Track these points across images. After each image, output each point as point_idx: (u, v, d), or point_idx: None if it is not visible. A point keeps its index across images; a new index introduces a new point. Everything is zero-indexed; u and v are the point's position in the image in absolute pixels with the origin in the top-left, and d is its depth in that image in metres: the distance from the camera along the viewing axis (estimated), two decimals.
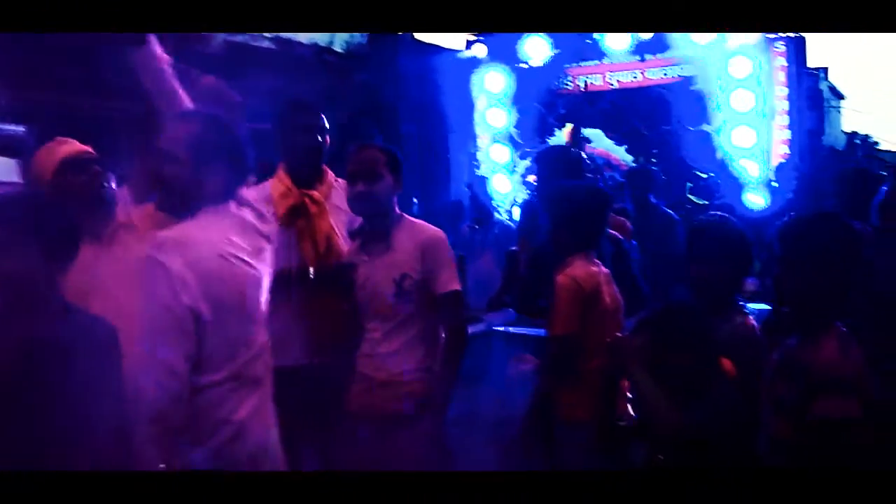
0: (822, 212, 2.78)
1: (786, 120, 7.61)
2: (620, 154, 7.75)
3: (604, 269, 3.19)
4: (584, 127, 7.98)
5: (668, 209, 5.78)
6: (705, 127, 7.72)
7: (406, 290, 3.04)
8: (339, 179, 3.41)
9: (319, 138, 3.39)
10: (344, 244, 3.35)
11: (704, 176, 7.72)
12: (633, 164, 7.32)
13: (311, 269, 3.32)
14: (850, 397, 2.12)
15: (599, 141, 7.83)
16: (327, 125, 3.41)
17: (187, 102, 2.84)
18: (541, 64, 8.35)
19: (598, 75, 8.32)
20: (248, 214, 2.50)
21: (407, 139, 12.15)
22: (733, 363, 2.47)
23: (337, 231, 3.36)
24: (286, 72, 11.51)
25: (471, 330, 4.65)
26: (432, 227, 3.20)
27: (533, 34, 8.15)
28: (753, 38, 7.32)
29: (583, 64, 8.34)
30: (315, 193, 3.39)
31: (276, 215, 3.26)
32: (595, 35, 7.98)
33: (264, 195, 3.26)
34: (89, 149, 2.87)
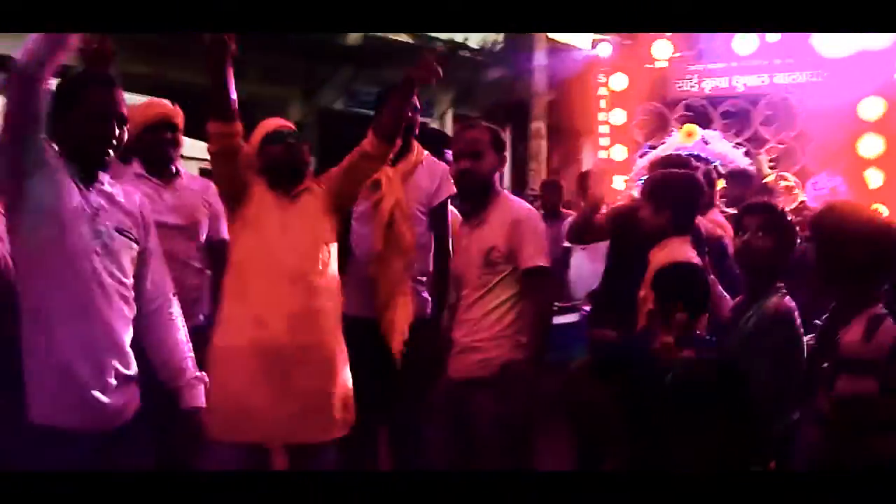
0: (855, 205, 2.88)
1: None
2: (738, 157, 7.68)
3: (698, 259, 3.33)
4: (705, 129, 7.97)
5: None
6: (831, 135, 7.57)
7: (492, 261, 3.30)
8: (428, 156, 3.70)
9: (409, 115, 3.69)
10: (411, 219, 3.64)
11: (828, 185, 7.57)
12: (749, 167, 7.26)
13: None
14: (867, 377, 2.25)
15: (717, 143, 7.77)
16: (418, 105, 3.70)
17: None
18: (665, 64, 8.37)
19: (725, 78, 8.26)
20: None
21: (536, 136, 12.37)
22: (769, 341, 2.60)
23: (404, 208, 3.65)
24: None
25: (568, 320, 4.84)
26: (526, 205, 3.44)
27: (656, 34, 8.17)
28: (885, 43, 7.11)
29: (709, 66, 8.29)
30: (390, 170, 3.70)
31: None
32: (721, 36, 7.94)
33: None
34: (289, 123, 3.37)
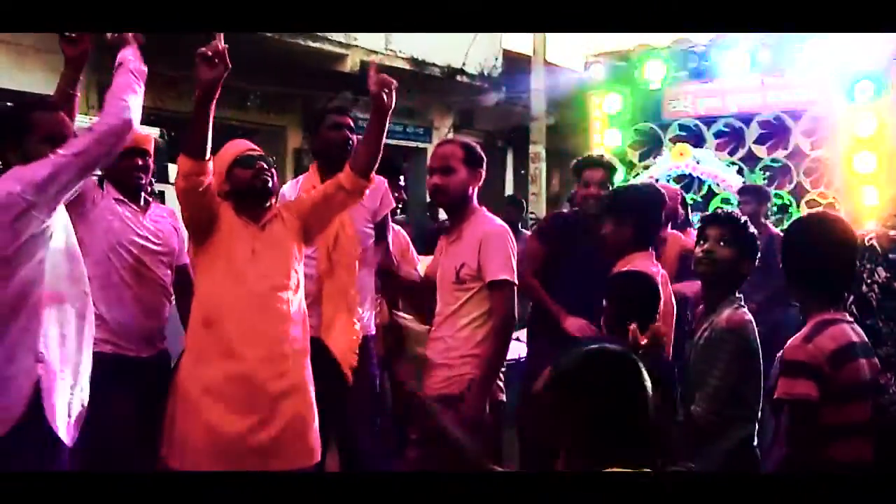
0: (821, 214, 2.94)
1: None
2: (730, 176, 7.67)
3: (663, 271, 3.32)
4: (699, 148, 7.98)
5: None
6: (824, 152, 7.57)
7: (462, 278, 3.29)
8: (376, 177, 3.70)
9: (347, 135, 3.72)
10: (356, 239, 3.65)
11: (823, 201, 7.56)
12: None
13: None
14: (802, 380, 2.26)
15: (709, 162, 7.77)
16: (354, 126, 3.75)
17: None
18: (658, 85, 8.40)
19: (718, 97, 8.28)
20: None
21: (535, 160, 12.38)
22: (720, 352, 2.61)
23: (348, 227, 3.67)
24: (420, 92, 12.05)
25: None
26: (498, 222, 3.43)
27: (645, 54, 8.21)
28: (878, 61, 7.14)
29: (702, 86, 8.31)
30: None
31: None
32: (713, 56, 7.97)
33: (296, 188, 3.67)
34: (255, 147, 3.32)
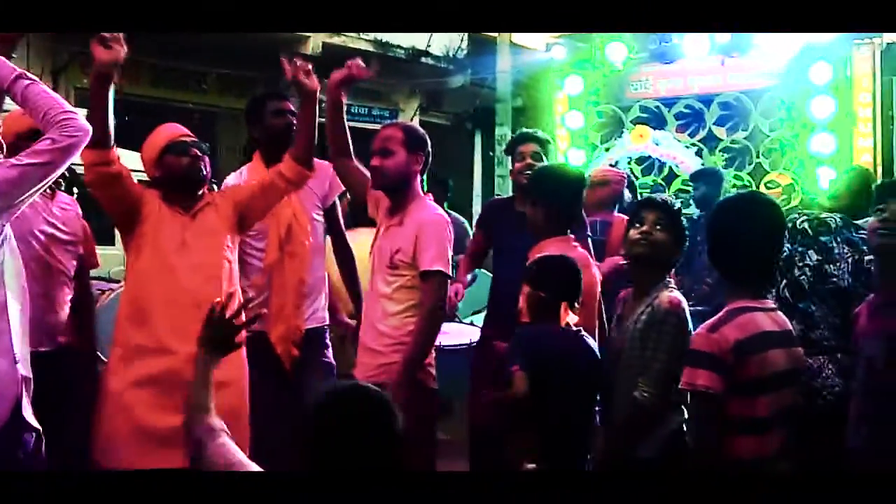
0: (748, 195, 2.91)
1: (868, 128, 7.34)
2: (689, 158, 7.64)
3: (582, 252, 3.26)
4: (659, 129, 7.94)
5: None
6: (783, 133, 7.56)
7: (395, 264, 3.22)
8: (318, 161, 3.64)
9: (290, 120, 3.64)
10: (308, 222, 3.59)
11: (782, 183, 7.56)
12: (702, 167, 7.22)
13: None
14: (701, 370, 2.22)
15: (669, 144, 7.73)
16: (294, 110, 3.67)
17: None
18: (620, 67, 8.34)
19: (679, 78, 8.23)
20: None
21: (501, 142, 12.33)
22: (665, 334, 2.57)
23: (300, 216, 3.62)
24: (384, 74, 11.93)
25: None
26: (438, 211, 3.36)
27: (606, 35, 8.15)
28: (835, 42, 7.12)
29: (663, 67, 8.26)
30: None
31: None
32: (675, 38, 7.92)
33: (241, 179, 3.58)
34: (188, 132, 3.21)
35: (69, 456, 3.10)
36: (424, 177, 3.61)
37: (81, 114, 2.70)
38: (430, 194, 3.48)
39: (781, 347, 2.41)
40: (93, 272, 3.80)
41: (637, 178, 7.72)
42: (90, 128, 2.64)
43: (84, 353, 3.47)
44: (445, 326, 5.58)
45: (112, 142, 2.97)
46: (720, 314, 2.40)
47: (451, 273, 3.27)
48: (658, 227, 2.81)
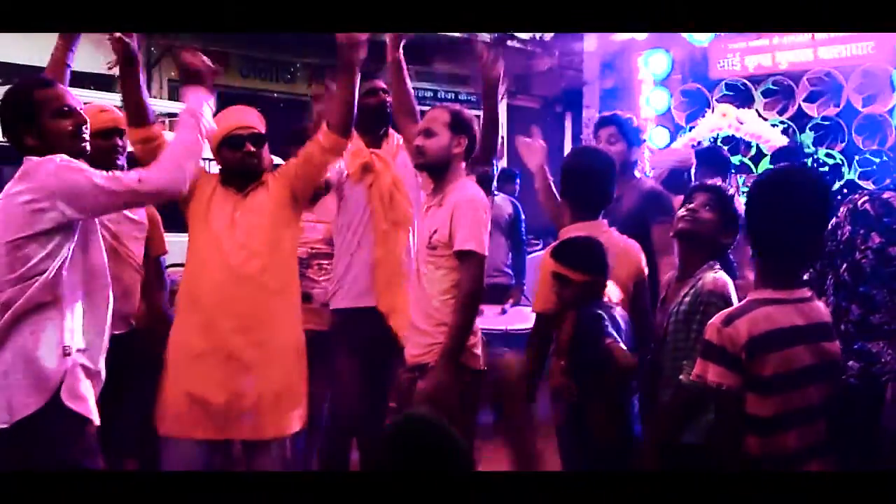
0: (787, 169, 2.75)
1: None
2: (775, 136, 7.41)
3: (616, 237, 3.24)
4: (744, 107, 7.73)
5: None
6: (878, 108, 7.25)
7: (433, 244, 3.24)
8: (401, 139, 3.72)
9: (381, 98, 3.71)
10: (407, 197, 3.67)
11: (876, 160, 7.26)
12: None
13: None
14: (712, 363, 2.18)
15: (753, 122, 7.52)
16: (386, 87, 3.75)
17: None
18: (705, 45, 8.15)
19: (767, 55, 7.99)
20: None
21: (589, 123, 12.18)
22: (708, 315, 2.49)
23: (401, 186, 3.70)
24: (470, 59, 11.85)
25: None
26: (475, 191, 3.32)
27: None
28: None
29: (751, 44, 8.03)
30: (380, 153, 3.73)
31: (348, 171, 3.72)
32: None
33: (344, 159, 3.69)
34: (253, 120, 3.29)
35: (145, 432, 3.27)
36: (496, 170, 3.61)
37: (193, 166, 2.87)
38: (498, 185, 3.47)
39: (807, 343, 2.20)
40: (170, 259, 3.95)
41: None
42: (183, 188, 2.82)
43: (157, 334, 3.58)
44: (513, 311, 5.65)
45: (151, 119, 3.13)
46: (741, 303, 2.24)
47: (484, 252, 3.26)
48: (707, 207, 2.77)
